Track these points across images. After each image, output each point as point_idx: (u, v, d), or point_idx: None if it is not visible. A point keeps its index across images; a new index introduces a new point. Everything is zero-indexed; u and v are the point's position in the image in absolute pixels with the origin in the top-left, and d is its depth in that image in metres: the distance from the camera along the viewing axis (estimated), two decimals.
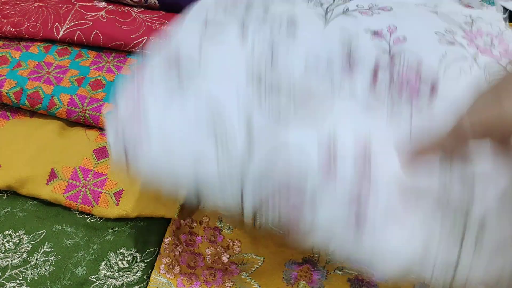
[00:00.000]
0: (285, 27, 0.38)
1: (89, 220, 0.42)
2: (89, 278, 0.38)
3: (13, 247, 0.40)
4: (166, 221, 0.42)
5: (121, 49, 0.52)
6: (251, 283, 0.40)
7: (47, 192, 0.42)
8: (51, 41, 0.53)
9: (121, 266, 0.39)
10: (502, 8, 0.60)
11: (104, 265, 0.39)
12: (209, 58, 0.36)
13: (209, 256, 0.41)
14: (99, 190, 0.42)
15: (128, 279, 0.38)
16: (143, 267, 0.39)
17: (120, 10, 0.55)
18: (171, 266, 0.40)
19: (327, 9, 0.42)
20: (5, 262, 0.39)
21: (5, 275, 0.38)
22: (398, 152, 0.32)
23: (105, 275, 0.39)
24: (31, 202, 0.43)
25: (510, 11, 0.62)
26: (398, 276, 0.30)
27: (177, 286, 0.39)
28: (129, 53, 0.53)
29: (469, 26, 0.43)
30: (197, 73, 0.35)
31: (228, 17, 0.39)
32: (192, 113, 0.33)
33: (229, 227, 0.43)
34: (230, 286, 0.40)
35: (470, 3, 0.58)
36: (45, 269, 0.39)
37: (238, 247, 0.42)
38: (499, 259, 0.30)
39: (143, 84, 0.35)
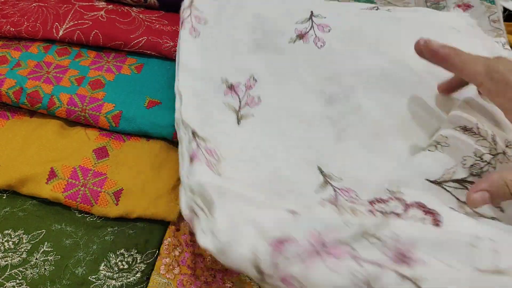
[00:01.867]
0: None
1: (89, 219, 0.42)
2: (89, 278, 0.38)
3: (12, 246, 0.40)
4: (166, 222, 0.42)
5: (121, 49, 0.52)
6: (251, 283, 0.40)
7: (46, 191, 0.42)
8: (50, 41, 0.53)
9: (121, 267, 0.39)
10: (502, 8, 0.60)
11: (104, 266, 0.39)
12: None
13: (209, 257, 0.41)
14: (99, 189, 0.42)
15: (128, 280, 0.38)
16: (143, 268, 0.39)
17: (119, 10, 0.55)
18: (171, 267, 0.40)
19: None
20: (5, 261, 0.39)
21: (5, 275, 0.38)
22: None
23: (104, 275, 0.39)
24: (30, 201, 0.43)
25: (509, 11, 0.62)
26: None
27: (177, 287, 0.39)
28: (129, 52, 0.53)
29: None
30: None
31: None
32: None
33: None
34: (230, 287, 0.39)
35: (470, 2, 0.58)
36: (45, 268, 0.39)
37: None
38: None
39: None
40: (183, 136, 0.38)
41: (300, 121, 0.42)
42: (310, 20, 0.47)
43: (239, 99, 0.42)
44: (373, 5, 0.51)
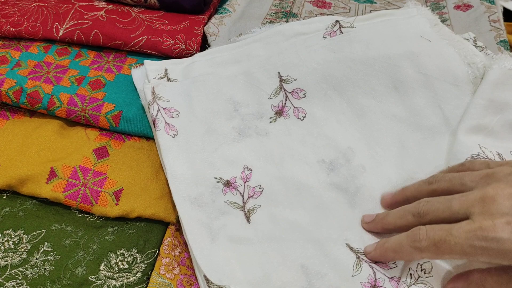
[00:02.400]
0: None
1: (89, 219, 0.42)
2: (89, 278, 0.38)
3: (12, 246, 0.40)
4: (166, 222, 0.42)
5: (121, 49, 0.52)
6: None
7: (47, 191, 0.42)
8: (50, 40, 0.53)
9: (121, 266, 0.39)
10: (502, 8, 0.60)
11: (104, 266, 0.39)
12: None
13: None
14: (99, 189, 0.42)
15: (128, 280, 0.38)
16: (143, 268, 0.39)
17: (119, 10, 0.55)
18: (171, 267, 0.40)
19: None
20: (5, 261, 0.39)
21: (5, 275, 0.38)
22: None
23: (105, 275, 0.38)
24: (30, 201, 0.43)
25: (509, 11, 0.62)
26: None
27: (177, 287, 0.38)
28: (129, 52, 0.53)
29: None
30: None
31: None
32: None
33: None
34: None
35: (470, 2, 0.58)
36: (45, 268, 0.39)
37: None
38: None
39: None
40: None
41: (308, 197, 0.40)
42: (282, 90, 0.45)
43: (241, 194, 0.40)
44: (334, 19, 0.48)
